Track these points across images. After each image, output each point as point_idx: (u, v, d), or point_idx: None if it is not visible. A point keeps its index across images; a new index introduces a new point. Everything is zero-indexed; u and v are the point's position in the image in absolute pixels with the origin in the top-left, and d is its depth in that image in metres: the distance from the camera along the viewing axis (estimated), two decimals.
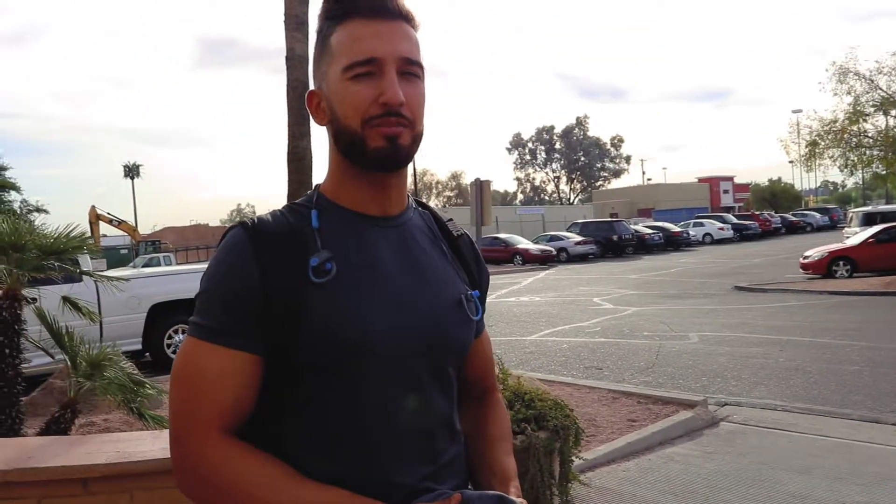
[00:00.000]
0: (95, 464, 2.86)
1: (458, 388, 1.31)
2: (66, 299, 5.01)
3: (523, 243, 32.62)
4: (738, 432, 5.94)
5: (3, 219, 4.71)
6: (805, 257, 18.59)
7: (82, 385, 4.41)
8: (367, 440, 1.13)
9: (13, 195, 33.00)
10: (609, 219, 42.05)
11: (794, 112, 28.94)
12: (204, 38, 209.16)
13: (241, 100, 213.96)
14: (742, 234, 41.97)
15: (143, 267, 23.11)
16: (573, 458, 3.93)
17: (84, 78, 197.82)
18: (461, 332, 1.26)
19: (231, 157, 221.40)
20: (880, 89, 16.34)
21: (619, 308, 14.52)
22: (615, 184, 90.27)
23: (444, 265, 1.28)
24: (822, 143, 17.31)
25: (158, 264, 28.45)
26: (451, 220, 1.39)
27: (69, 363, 4.65)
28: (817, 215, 48.99)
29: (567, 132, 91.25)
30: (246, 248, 1.13)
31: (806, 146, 17.77)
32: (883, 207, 28.00)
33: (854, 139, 16.94)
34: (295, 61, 6.69)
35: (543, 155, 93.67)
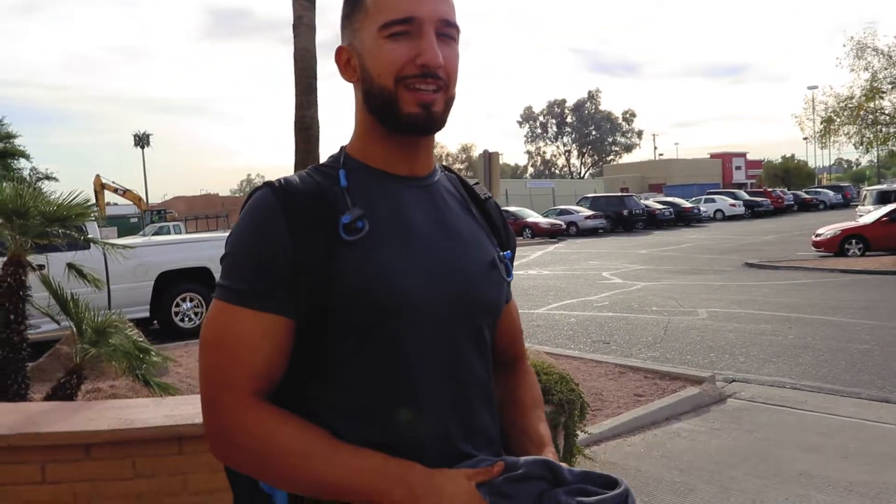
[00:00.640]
0: (98, 430, 2.86)
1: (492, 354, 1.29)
2: (71, 266, 4.99)
3: (533, 217, 32.51)
4: (745, 409, 5.90)
5: (7, 185, 4.69)
6: (817, 235, 18.41)
7: (87, 351, 4.41)
8: (403, 403, 1.11)
9: (23, 163, 33.13)
10: (619, 193, 41.78)
11: (809, 88, 28.53)
12: (215, 8, 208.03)
13: (252, 70, 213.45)
14: (754, 211, 41.66)
15: (152, 235, 23.15)
16: (578, 432, 3.90)
17: (96, 47, 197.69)
18: (495, 292, 1.25)
19: (241, 128, 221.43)
20: None
21: (627, 283, 14.47)
22: (626, 158, 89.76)
23: (473, 226, 1.27)
24: (838, 120, 17.07)
25: (168, 233, 28.56)
26: (477, 183, 1.37)
27: (74, 330, 4.65)
28: (830, 193, 48.56)
29: (579, 106, 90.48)
30: (274, 207, 1.11)
31: (821, 123, 17.53)
32: None
33: (870, 116, 16.68)
34: (302, 30, 6.59)
35: (554, 129, 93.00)
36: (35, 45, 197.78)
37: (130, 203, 39.42)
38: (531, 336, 9.07)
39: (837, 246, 17.74)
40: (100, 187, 31.68)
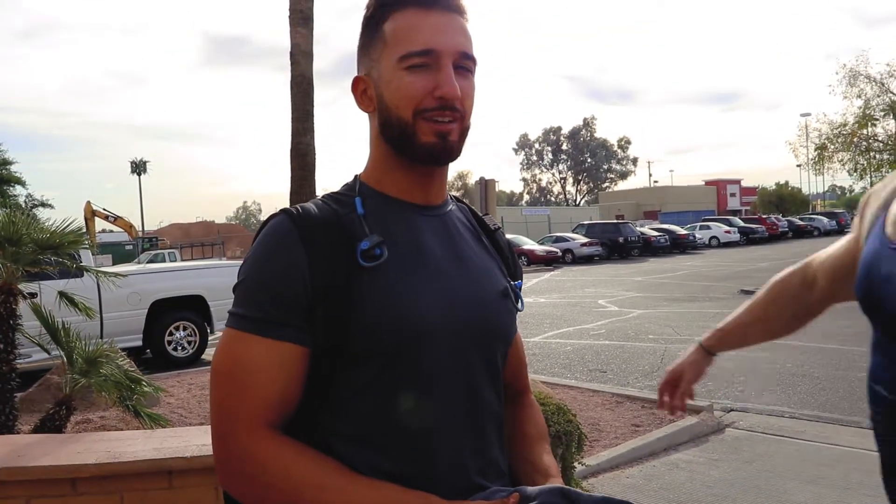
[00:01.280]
0: (85, 464, 2.80)
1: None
2: (62, 294, 4.94)
3: (529, 244, 32.54)
4: (744, 439, 5.84)
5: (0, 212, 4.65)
6: None
7: (78, 382, 4.34)
8: (419, 433, 1.10)
9: (18, 189, 33.14)
10: (615, 220, 41.92)
11: (802, 115, 28.83)
12: (214, 36, 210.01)
13: (249, 97, 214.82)
14: (749, 238, 41.77)
15: (147, 263, 23.08)
16: (576, 464, 3.84)
17: (95, 74, 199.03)
18: (508, 321, 1.26)
19: (238, 155, 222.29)
20: (891, 93, 16.21)
21: (623, 310, 14.43)
22: (621, 186, 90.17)
23: (485, 256, 1.28)
24: (831, 147, 17.22)
25: (163, 261, 28.46)
26: (487, 214, 1.38)
27: (65, 359, 4.58)
28: (825, 219, 48.74)
29: (574, 133, 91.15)
30: (291, 234, 1.10)
31: (815, 150, 17.70)
32: None
33: (863, 143, 16.82)
34: (299, 57, 6.64)
35: (550, 156, 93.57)
36: (33, 71, 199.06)
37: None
38: (527, 365, 8.99)
39: None
40: (90, 214, 31.57)
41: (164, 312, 9.78)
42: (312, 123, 6.64)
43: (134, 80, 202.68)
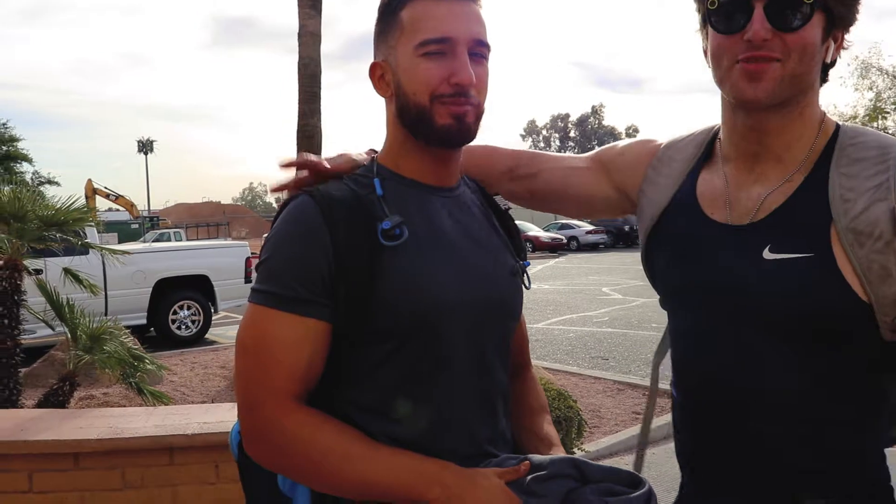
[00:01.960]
0: (87, 439, 2.82)
1: None
2: (67, 271, 4.97)
3: (534, 230, 32.51)
4: None
5: (5, 188, 4.67)
6: None
7: (81, 358, 4.37)
8: (435, 404, 1.15)
9: (25, 166, 33.17)
10: None
11: None
12: (221, 17, 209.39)
13: (256, 79, 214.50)
14: None
15: (153, 242, 23.15)
16: (575, 449, 3.86)
17: (103, 53, 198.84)
18: (517, 299, 1.32)
19: (244, 136, 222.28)
20: None
21: (627, 298, 14.43)
22: None
23: (495, 236, 1.32)
24: None
25: (169, 240, 28.54)
26: (497, 194, 1.40)
27: (69, 336, 4.62)
28: None
29: (582, 120, 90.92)
30: (314, 214, 1.13)
31: None
32: None
33: None
34: (307, 38, 6.58)
35: (557, 143, 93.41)
36: (40, 49, 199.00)
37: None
38: (530, 351, 9.02)
39: None
40: (91, 192, 31.58)
41: (169, 291, 9.82)
42: (319, 105, 6.61)
43: (140, 60, 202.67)
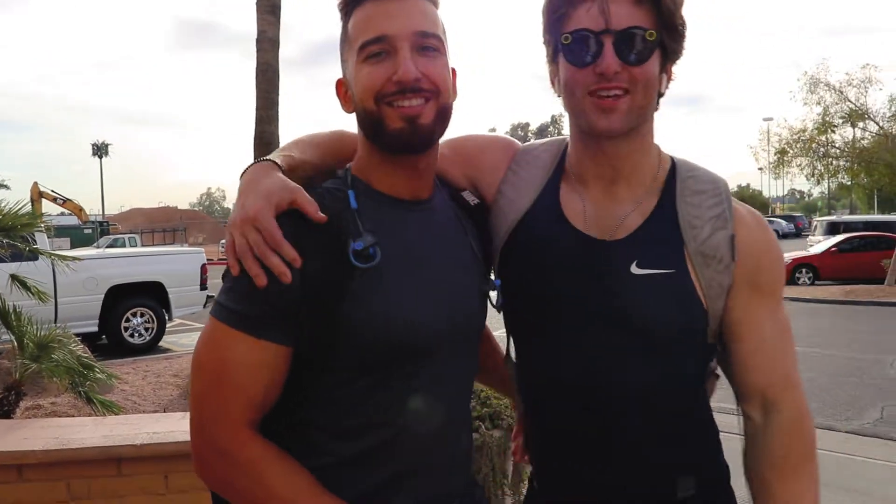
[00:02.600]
0: (31, 450, 2.76)
1: None
2: (14, 277, 4.85)
3: None
4: None
5: None
6: None
7: (28, 367, 4.27)
8: (400, 431, 1.13)
9: None
10: None
11: (765, 120, 29.36)
12: (183, 21, 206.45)
13: (215, 84, 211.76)
14: None
15: (106, 248, 22.65)
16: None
17: (62, 56, 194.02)
18: (483, 321, 1.32)
19: (204, 141, 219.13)
20: (849, 101, 16.59)
21: None
22: None
23: (469, 251, 1.29)
24: (791, 152, 17.55)
25: (124, 245, 27.96)
26: (465, 190, 1.37)
27: (15, 344, 4.50)
28: (783, 222, 49.69)
29: (542, 130, 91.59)
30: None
31: (775, 154, 18.01)
32: (846, 217, 28.55)
33: (822, 149, 17.19)
34: (265, 44, 6.55)
35: None
36: None
37: (91, 214, 38.43)
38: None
39: (789, 274, 18.18)
40: (37, 196, 30.62)
41: (122, 298, 9.62)
42: (277, 112, 6.57)
43: (97, 63, 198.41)
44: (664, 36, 1.20)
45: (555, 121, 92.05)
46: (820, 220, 27.16)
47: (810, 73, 16.83)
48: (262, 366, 1.06)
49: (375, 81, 1.12)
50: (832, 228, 22.68)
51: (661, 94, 1.28)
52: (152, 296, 9.88)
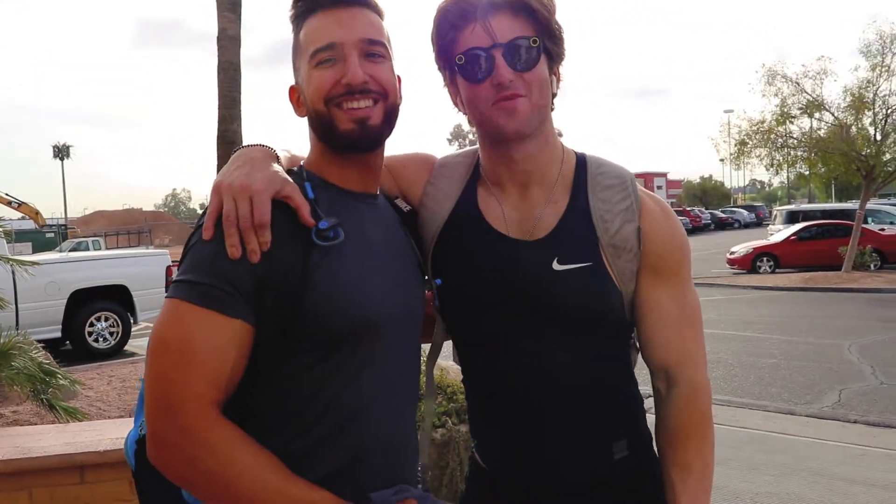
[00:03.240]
0: None
1: None
2: None
3: None
4: None
5: None
6: (731, 253, 19.19)
7: None
8: (354, 414, 1.16)
9: None
10: None
11: (725, 112, 29.81)
12: (144, 20, 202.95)
13: (178, 83, 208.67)
14: None
15: (69, 252, 22.23)
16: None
17: (17, 56, 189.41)
18: (423, 312, 1.37)
19: (169, 141, 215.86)
20: (805, 92, 16.92)
21: None
22: None
23: (407, 246, 1.36)
24: (751, 143, 17.83)
25: (87, 249, 27.45)
26: (397, 198, 1.44)
27: None
28: (745, 212, 50.60)
29: None
30: None
31: (735, 145, 18.29)
32: (805, 206, 29.11)
33: (780, 140, 17.50)
34: (226, 42, 6.47)
35: None
36: None
37: (51, 217, 37.57)
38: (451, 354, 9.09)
39: (750, 263, 18.53)
40: None
41: (85, 302, 9.48)
42: (239, 111, 6.50)
43: (59, 64, 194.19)
44: (546, 41, 1.30)
45: None
46: (780, 210, 27.66)
47: (768, 65, 17.14)
48: (230, 343, 1.06)
49: (325, 84, 1.19)
50: (791, 217, 23.13)
51: (554, 95, 1.38)
52: (117, 299, 9.75)
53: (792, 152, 17.74)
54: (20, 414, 5.30)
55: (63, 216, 57.57)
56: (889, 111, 16.11)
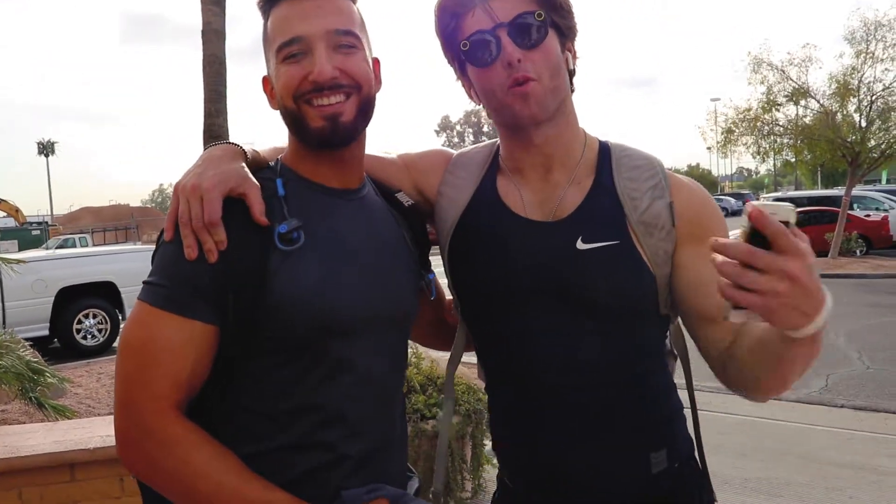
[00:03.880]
0: None
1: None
2: None
3: None
4: None
5: None
6: None
7: None
8: (327, 415, 1.14)
9: None
10: None
11: (712, 100, 29.90)
12: (130, 15, 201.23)
13: (167, 78, 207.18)
14: None
15: (56, 249, 22.08)
16: (485, 441, 3.95)
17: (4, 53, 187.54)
18: (413, 306, 1.32)
19: (154, 136, 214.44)
20: (791, 80, 16.99)
21: None
22: None
23: (403, 244, 1.32)
24: (737, 131, 17.91)
25: (74, 246, 27.28)
26: (399, 191, 1.40)
27: None
28: (732, 200, 50.72)
29: None
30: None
31: (722, 133, 18.36)
32: (792, 193, 29.29)
33: (766, 127, 17.58)
34: (211, 35, 6.42)
35: (471, 137, 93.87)
36: None
37: (32, 215, 37.22)
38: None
39: None
40: None
41: (73, 300, 9.42)
42: (225, 105, 6.46)
43: (45, 59, 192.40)
44: (552, 15, 1.24)
45: None
46: (767, 197, 27.79)
47: (754, 53, 17.20)
48: (188, 344, 1.07)
49: (292, 80, 1.16)
50: None
51: (572, 74, 1.33)
52: (104, 296, 9.69)
53: (778, 140, 17.82)
54: (8, 413, 5.29)
55: (49, 213, 57.13)
56: (874, 98, 16.22)
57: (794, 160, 19.17)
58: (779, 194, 29.78)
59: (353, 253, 1.20)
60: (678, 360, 1.40)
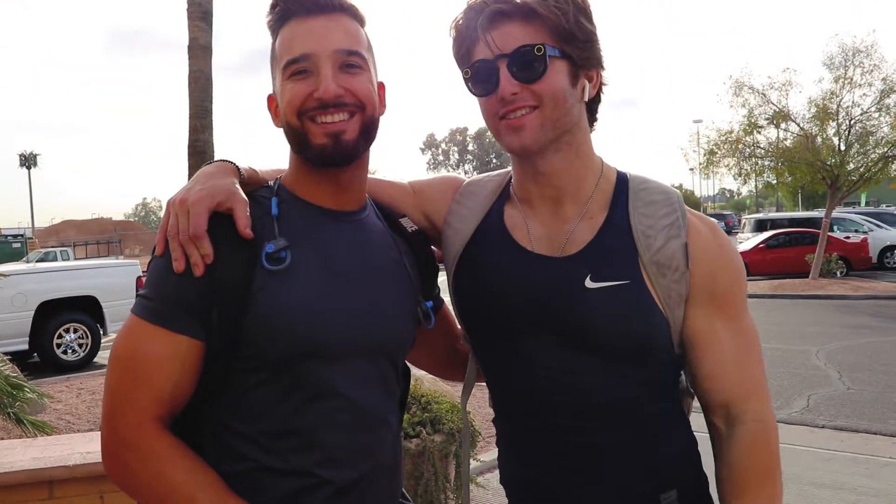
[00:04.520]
0: None
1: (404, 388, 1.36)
2: None
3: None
4: None
5: None
6: None
7: None
8: (307, 437, 1.14)
9: None
10: None
11: (694, 122, 30.17)
12: (115, 29, 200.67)
13: (149, 91, 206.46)
14: None
15: (37, 262, 21.81)
16: (470, 460, 3.94)
17: None
18: (407, 335, 1.31)
19: (137, 150, 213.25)
20: (772, 103, 17.21)
21: None
22: None
23: (398, 266, 1.30)
24: (719, 153, 18.07)
25: (55, 259, 26.99)
26: (404, 216, 1.40)
27: None
28: (714, 221, 51.13)
29: (480, 134, 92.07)
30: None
31: (704, 155, 18.53)
32: (773, 215, 29.55)
33: (748, 149, 17.75)
34: (197, 51, 6.43)
35: (456, 156, 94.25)
36: None
37: (14, 226, 36.84)
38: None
39: None
40: None
41: (53, 314, 9.31)
42: (211, 120, 6.46)
43: (26, 72, 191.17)
44: (564, 46, 1.20)
45: None
46: (748, 218, 28.06)
47: (735, 76, 17.42)
48: (172, 358, 1.08)
49: (297, 97, 1.17)
50: (760, 226, 23.45)
51: (593, 102, 1.30)
52: (85, 310, 9.60)
53: (759, 162, 18.02)
54: None
55: (31, 226, 56.53)
56: (852, 122, 16.45)
57: (775, 182, 19.38)
58: (760, 216, 30.05)
59: (342, 276, 1.19)
60: (694, 399, 1.33)
